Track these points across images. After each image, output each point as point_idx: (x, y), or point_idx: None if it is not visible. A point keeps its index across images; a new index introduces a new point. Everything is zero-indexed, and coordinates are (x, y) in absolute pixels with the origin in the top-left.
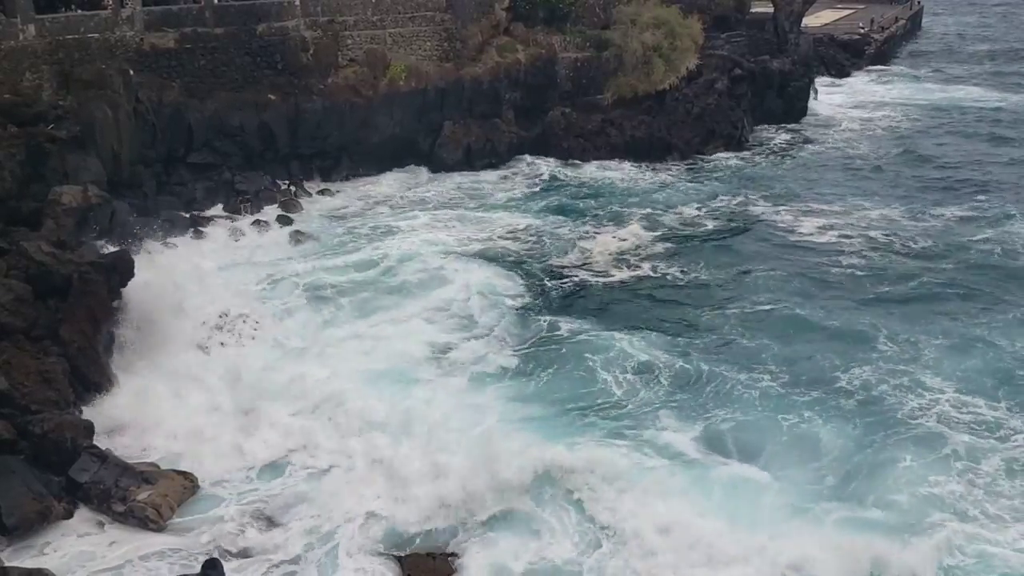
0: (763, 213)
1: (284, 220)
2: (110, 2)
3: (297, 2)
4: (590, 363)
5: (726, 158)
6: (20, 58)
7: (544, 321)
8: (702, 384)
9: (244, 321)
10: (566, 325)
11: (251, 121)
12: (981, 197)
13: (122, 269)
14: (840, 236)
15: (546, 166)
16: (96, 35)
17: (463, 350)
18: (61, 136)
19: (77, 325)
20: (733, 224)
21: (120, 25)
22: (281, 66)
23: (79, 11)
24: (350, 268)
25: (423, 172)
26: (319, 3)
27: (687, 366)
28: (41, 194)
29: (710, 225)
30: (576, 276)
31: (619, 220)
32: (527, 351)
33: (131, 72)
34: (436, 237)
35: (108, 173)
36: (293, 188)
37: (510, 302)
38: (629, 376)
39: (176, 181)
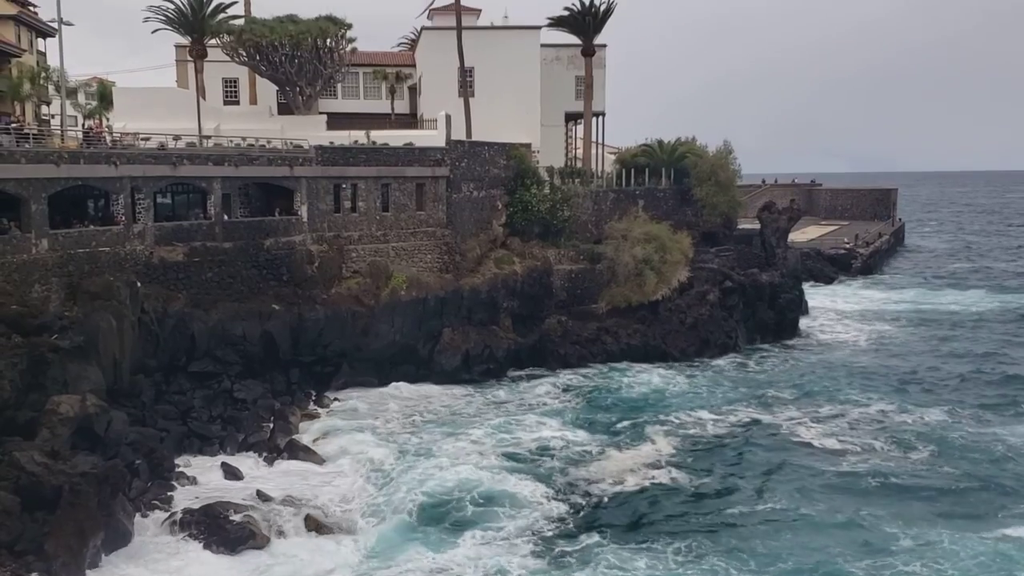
0: (765, 418)
1: (283, 429)
2: (122, 218)
3: (305, 218)
4: None
5: (725, 367)
6: (30, 271)
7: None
8: None
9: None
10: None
11: (254, 330)
12: (965, 399)
13: (114, 480)
14: (839, 438)
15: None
16: (107, 248)
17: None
18: (63, 346)
19: (63, 540)
20: (741, 431)
21: (131, 239)
22: (286, 277)
23: (92, 227)
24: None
25: (429, 385)
26: (325, 219)
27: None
28: (39, 403)
29: (719, 433)
30: (595, 488)
31: (633, 433)
32: None
33: (138, 284)
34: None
35: (108, 382)
36: (293, 401)
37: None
38: None
39: (175, 390)
